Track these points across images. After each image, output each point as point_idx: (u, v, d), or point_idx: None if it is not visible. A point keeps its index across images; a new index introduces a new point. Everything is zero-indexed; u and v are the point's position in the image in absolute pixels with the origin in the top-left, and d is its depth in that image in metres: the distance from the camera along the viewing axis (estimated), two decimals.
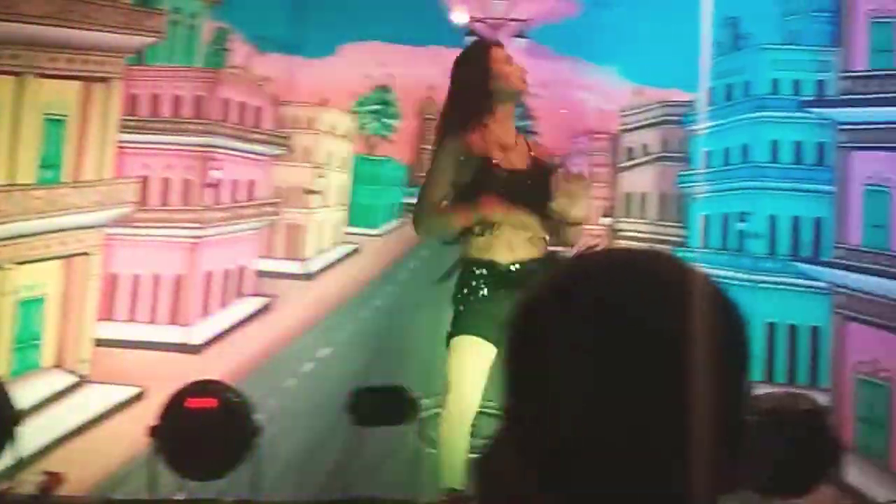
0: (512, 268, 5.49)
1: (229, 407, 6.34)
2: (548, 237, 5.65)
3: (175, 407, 6.27)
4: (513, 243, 5.47)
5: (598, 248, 1.51)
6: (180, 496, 6.37)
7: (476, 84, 5.11)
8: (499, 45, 5.46)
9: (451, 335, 5.60)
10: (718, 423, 1.27)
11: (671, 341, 1.27)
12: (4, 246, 8.10)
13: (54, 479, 6.44)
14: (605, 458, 1.25)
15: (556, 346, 1.30)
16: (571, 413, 1.26)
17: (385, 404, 6.52)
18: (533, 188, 5.13)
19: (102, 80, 8.53)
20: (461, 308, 5.60)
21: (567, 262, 1.43)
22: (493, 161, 4.82)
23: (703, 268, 1.36)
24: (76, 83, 8.48)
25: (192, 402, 6.22)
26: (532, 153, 5.12)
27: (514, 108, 5.24)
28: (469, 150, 4.85)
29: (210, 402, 6.24)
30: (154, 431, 6.24)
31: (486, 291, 5.55)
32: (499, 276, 5.53)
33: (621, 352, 1.26)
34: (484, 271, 5.49)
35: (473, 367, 5.45)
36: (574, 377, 1.27)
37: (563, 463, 1.27)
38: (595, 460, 1.25)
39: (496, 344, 5.57)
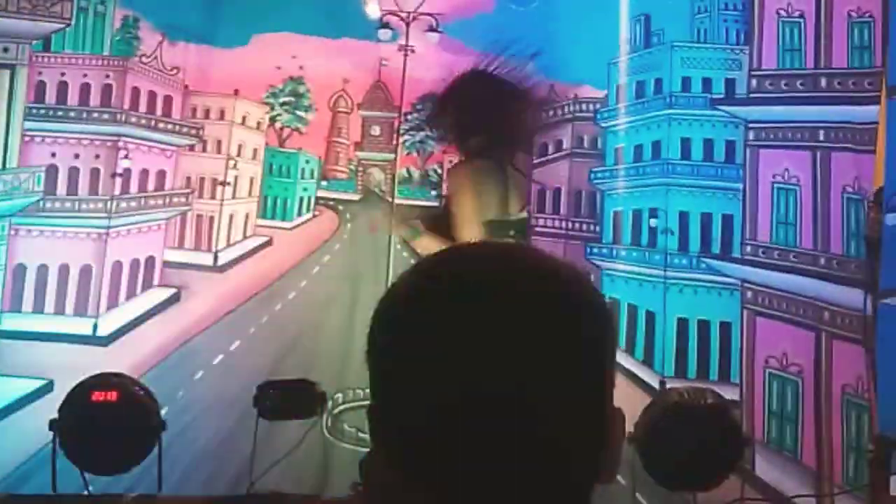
0: None
1: (132, 400, 6.29)
2: None
3: (77, 400, 6.21)
4: None
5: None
6: (84, 492, 6.29)
7: None
8: None
9: None
10: (581, 413, 1.28)
11: (524, 327, 1.27)
12: None
13: None
14: (466, 444, 1.25)
15: (407, 335, 1.31)
16: (424, 401, 1.27)
17: (291, 398, 6.53)
18: None
19: (7, 66, 8.35)
20: None
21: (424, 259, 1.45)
22: None
23: (566, 260, 1.38)
24: None
25: (95, 395, 6.15)
26: None
27: None
28: None
29: (112, 395, 6.19)
30: (56, 425, 6.17)
31: None
32: None
33: (472, 338, 1.26)
34: None
35: None
36: (422, 367, 1.28)
37: (419, 453, 1.28)
38: (455, 447, 1.25)
39: None
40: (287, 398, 6.52)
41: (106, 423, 6.14)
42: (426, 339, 1.29)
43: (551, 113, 8.82)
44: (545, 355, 1.28)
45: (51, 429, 6.19)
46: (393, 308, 1.38)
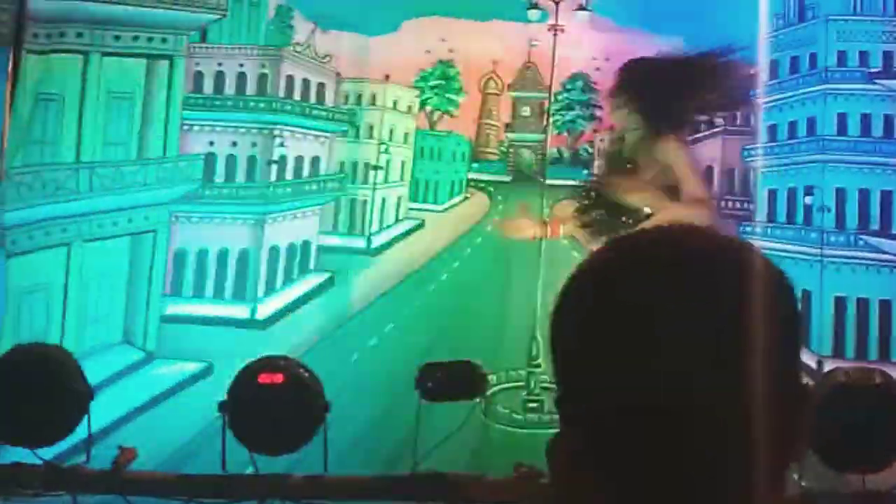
0: None
1: (298, 382, 6.40)
2: None
3: (245, 382, 6.35)
4: None
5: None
6: (250, 470, 6.44)
7: None
8: None
9: None
10: (777, 395, 1.26)
11: (722, 316, 1.25)
12: (73, 223, 8.18)
13: (126, 454, 6.53)
14: (664, 446, 1.24)
15: (609, 319, 1.29)
16: (626, 402, 1.25)
17: (453, 379, 6.56)
18: None
19: (166, 57, 8.58)
20: None
21: (610, 245, 1.42)
22: None
23: (753, 243, 1.35)
24: (141, 61, 8.55)
25: (262, 378, 6.29)
26: None
27: None
28: None
29: (279, 378, 6.31)
30: (225, 406, 6.32)
31: None
32: None
33: (672, 333, 1.24)
34: None
35: None
36: (624, 363, 1.26)
37: (619, 454, 1.26)
38: (654, 449, 1.24)
39: None
40: (450, 379, 6.54)
41: (273, 404, 6.25)
42: (629, 326, 1.28)
43: None
44: (752, 344, 1.27)
45: (220, 410, 6.33)
46: (592, 290, 1.35)
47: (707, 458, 1.23)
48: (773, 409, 1.27)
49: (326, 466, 6.37)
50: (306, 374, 6.47)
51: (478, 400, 6.72)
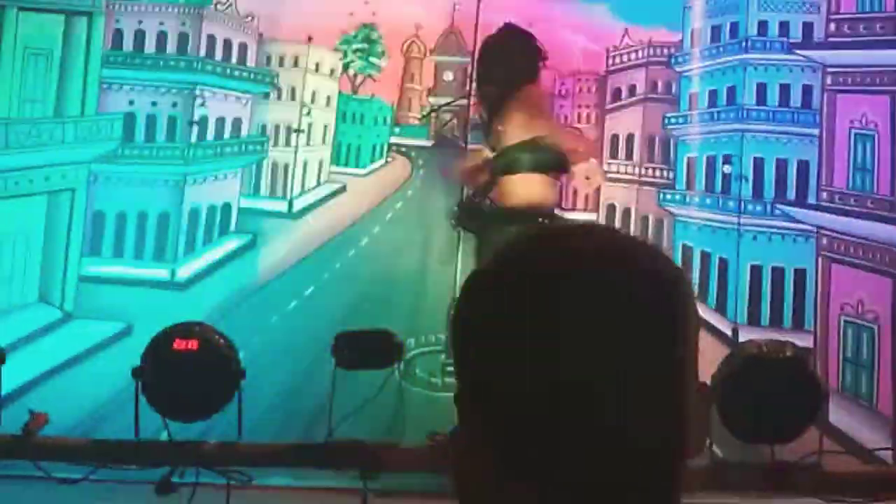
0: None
1: (213, 348, 6.38)
2: None
3: (160, 348, 6.32)
4: None
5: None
6: (164, 436, 6.41)
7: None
8: None
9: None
10: (674, 393, 1.29)
11: (621, 312, 1.28)
12: None
13: (37, 419, 6.48)
14: (575, 438, 1.26)
15: (502, 319, 1.31)
16: (519, 387, 1.28)
17: (369, 348, 6.58)
18: None
19: (85, 13, 8.45)
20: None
21: (513, 239, 1.44)
22: None
23: (647, 240, 1.38)
24: (59, 16, 8.41)
25: (177, 344, 6.26)
26: None
27: None
28: None
29: (194, 344, 6.29)
30: (139, 372, 6.29)
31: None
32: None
33: (579, 326, 1.27)
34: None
35: None
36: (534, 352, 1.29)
37: (530, 448, 1.28)
38: (566, 442, 1.26)
39: None
40: (365, 348, 6.56)
41: (188, 371, 6.24)
42: (524, 324, 1.30)
43: (625, 57, 8.77)
44: (636, 338, 1.29)
45: (134, 376, 6.30)
46: (487, 293, 1.37)
47: (604, 453, 1.26)
48: (669, 406, 1.30)
49: (241, 433, 6.38)
50: (221, 341, 6.46)
51: (392, 368, 6.73)
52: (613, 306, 1.28)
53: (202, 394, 6.30)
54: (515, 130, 6.32)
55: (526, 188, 6.29)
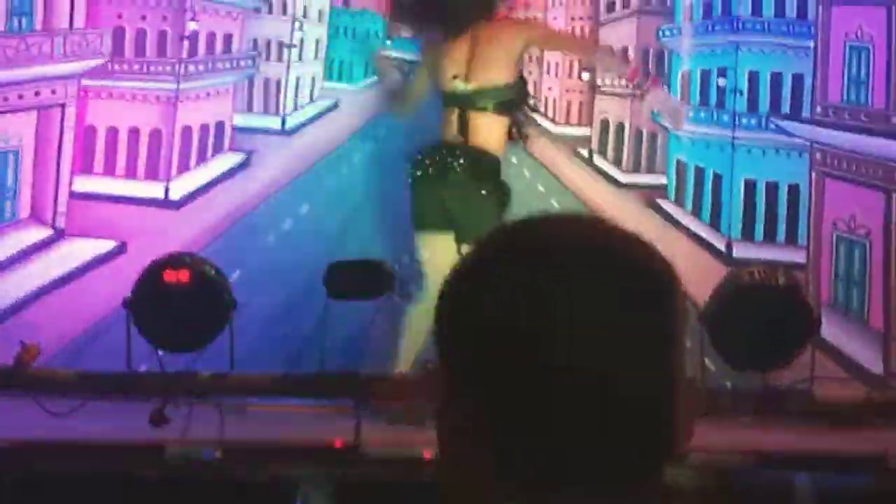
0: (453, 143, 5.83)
1: (204, 279, 6.40)
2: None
3: (150, 279, 6.33)
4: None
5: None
6: (157, 368, 6.44)
7: None
8: None
9: (413, 226, 6.01)
10: (654, 389, 1.32)
11: (609, 302, 1.30)
12: None
13: (29, 351, 6.51)
14: (564, 438, 1.29)
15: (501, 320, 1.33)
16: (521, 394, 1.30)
17: (360, 278, 6.60)
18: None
19: None
20: (412, 197, 6.01)
21: (492, 234, 1.45)
22: None
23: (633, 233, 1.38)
24: None
25: (167, 275, 6.27)
26: None
27: None
28: None
29: (184, 275, 6.30)
30: (129, 303, 6.31)
31: (430, 170, 5.92)
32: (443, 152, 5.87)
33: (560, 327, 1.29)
34: (429, 152, 5.90)
35: (445, 263, 5.74)
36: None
37: (520, 448, 1.31)
38: (558, 439, 1.29)
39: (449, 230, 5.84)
40: (356, 278, 6.58)
41: (179, 302, 6.26)
42: (517, 326, 1.32)
43: None
44: (628, 337, 1.31)
45: (125, 307, 6.32)
46: (477, 292, 1.39)
47: (595, 452, 1.29)
48: (658, 406, 1.33)
49: (233, 363, 6.42)
50: (212, 272, 6.47)
51: (384, 298, 6.75)
52: (605, 304, 1.30)
53: (193, 325, 6.33)
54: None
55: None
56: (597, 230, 1.40)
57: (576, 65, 8.68)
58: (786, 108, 8.29)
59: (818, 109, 8.19)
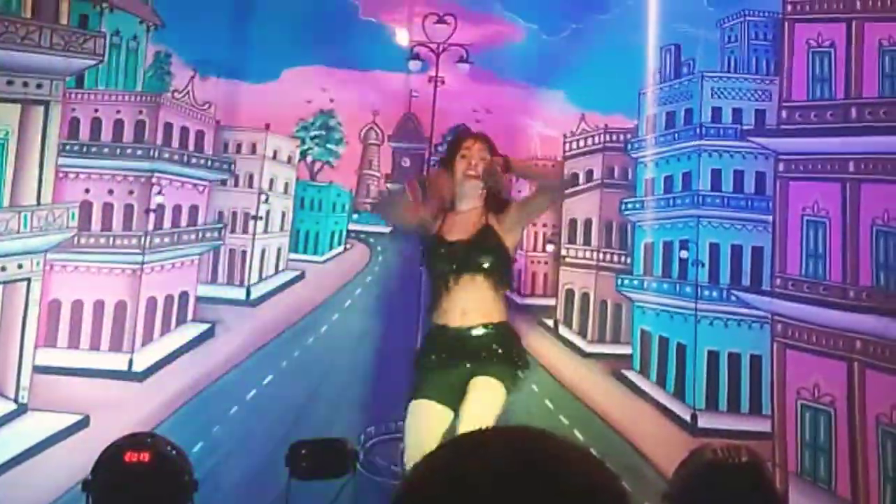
0: (463, 332, 5.67)
1: (166, 460, 6.30)
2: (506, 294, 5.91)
3: (110, 461, 6.22)
4: (466, 308, 5.64)
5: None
6: None
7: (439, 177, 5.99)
8: (471, 137, 5.89)
9: (409, 399, 5.79)
10: None
11: None
12: None
13: None
14: None
15: None
16: None
17: (323, 457, 6.54)
18: (475, 251, 5.54)
19: (41, 102, 8.43)
20: (416, 372, 5.80)
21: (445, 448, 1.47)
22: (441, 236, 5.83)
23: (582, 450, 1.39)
24: (15, 105, 8.38)
25: (129, 456, 6.17)
26: (484, 222, 5.59)
27: (477, 187, 5.74)
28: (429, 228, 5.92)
29: (146, 456, 6.20)
30: (88, 485, 6.19)
31: (434, 356, 5.76)
32: (450, 340, 5.70)
33: None
34: (436, 336, 5.71)
35: (428, 429, 5.60)
36: None
37: None
38: None
39: (450, 405, 5.68)
40: (319, 458, 6.53)
41: (139, 484, 6.16)
42: None
43: (582, 143, 8.85)
44: None
45: (84, 489, 6.22)
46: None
47: None
48: None
49: None
50: (174, 452, 6.38)
51: (348, 476, 6.67)
52: None
53: None
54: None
55: None
56: (543, 452, 1.41)
57: (541, 236, 8.78)
58: (746, 281, 8.38)
59: (777, 281, 8.30)
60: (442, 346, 5.78)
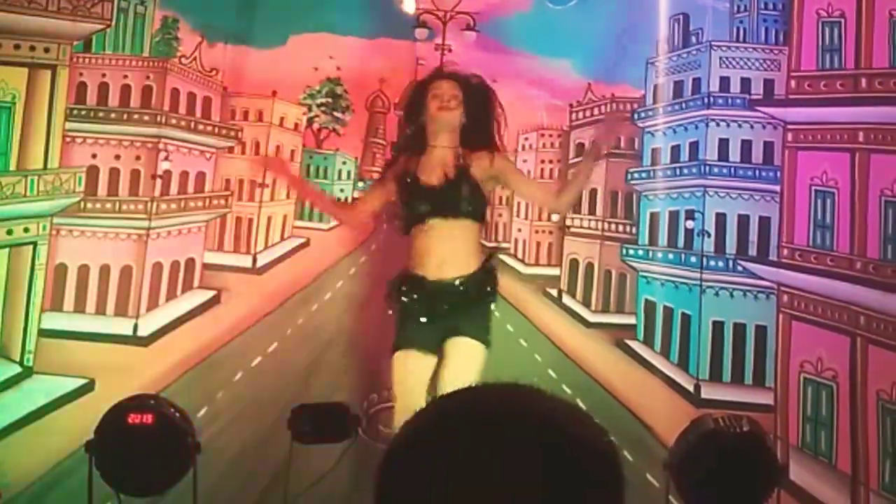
0: (440, 285, 5.78)
1: (168, 423, 6.34)
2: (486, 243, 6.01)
3: (113, 422, 6.26)
4: (444, 258, 5.75)
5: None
6: None
7: (410, 121, 6.24)
8: (439, 77, 5.98)
9: (393, 349, 5.89)
10: None
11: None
12: None
13: None
14: None
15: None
16: None
17: (325, 422, 6.57)
18: (451, 196, 5.73)
19: (48, 66, 8.43)
20: (398, 322, 5.92)
21: (426, 410, 1.47)
22: (419, 179, 6.01)
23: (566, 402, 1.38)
24: (22, 70, 8.38)
25: (132, 418, 6.21)
26: (461, 164, 5.73)
27: (447, 129, 5.84)
28: (404, 172, 6.10)
29: (148, 418, 6.24)
30: (91, 446, 6.23)
31: (417, 306, 5.87)
32: (428, 293, 5.81)
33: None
34: (415, 286, 5.83)
35: (414, 378, 5.72)
36: None
37: None
38: None
39: (433, 352, 5.82)
40: (320, 422, 6.55)
41: (141, 446, 6.18)
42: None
43: (588, 112, 8.82)
44: None
45: (87, 450, 6.25)
46: (410, 471, 1.40)
47: None
48: None
49: None
50: (177, 414, 6.41)
51: (349, 441, 6.71)
52: (543, 483, 1.30)
53: (156, 469, 6.26)
54: None
55: None
56: (535, 402, 1.41)
57: None
58: (753, 251, 8.35)
59: (784, 252, 8.27)
60: (421, 298, 5.92)
